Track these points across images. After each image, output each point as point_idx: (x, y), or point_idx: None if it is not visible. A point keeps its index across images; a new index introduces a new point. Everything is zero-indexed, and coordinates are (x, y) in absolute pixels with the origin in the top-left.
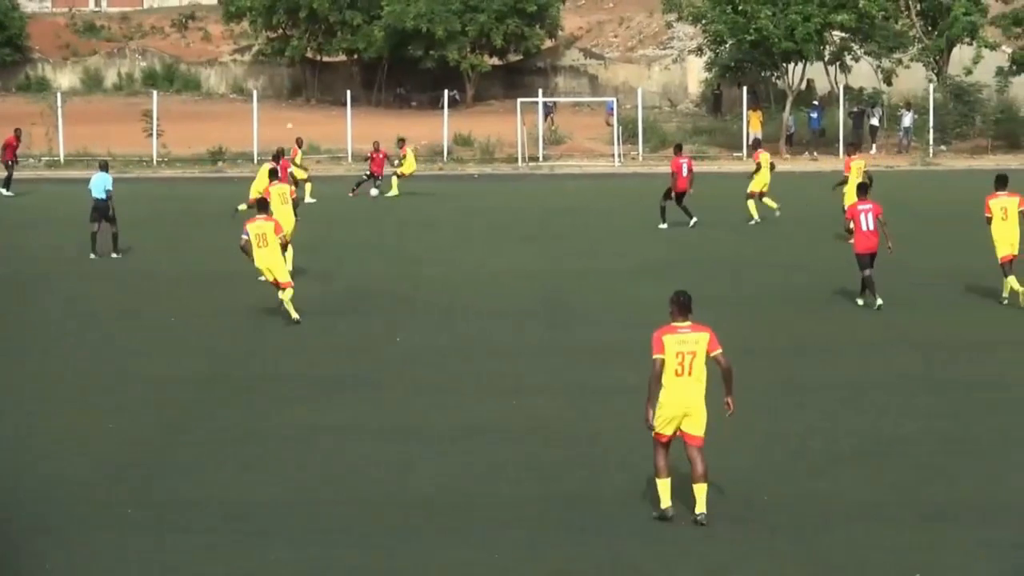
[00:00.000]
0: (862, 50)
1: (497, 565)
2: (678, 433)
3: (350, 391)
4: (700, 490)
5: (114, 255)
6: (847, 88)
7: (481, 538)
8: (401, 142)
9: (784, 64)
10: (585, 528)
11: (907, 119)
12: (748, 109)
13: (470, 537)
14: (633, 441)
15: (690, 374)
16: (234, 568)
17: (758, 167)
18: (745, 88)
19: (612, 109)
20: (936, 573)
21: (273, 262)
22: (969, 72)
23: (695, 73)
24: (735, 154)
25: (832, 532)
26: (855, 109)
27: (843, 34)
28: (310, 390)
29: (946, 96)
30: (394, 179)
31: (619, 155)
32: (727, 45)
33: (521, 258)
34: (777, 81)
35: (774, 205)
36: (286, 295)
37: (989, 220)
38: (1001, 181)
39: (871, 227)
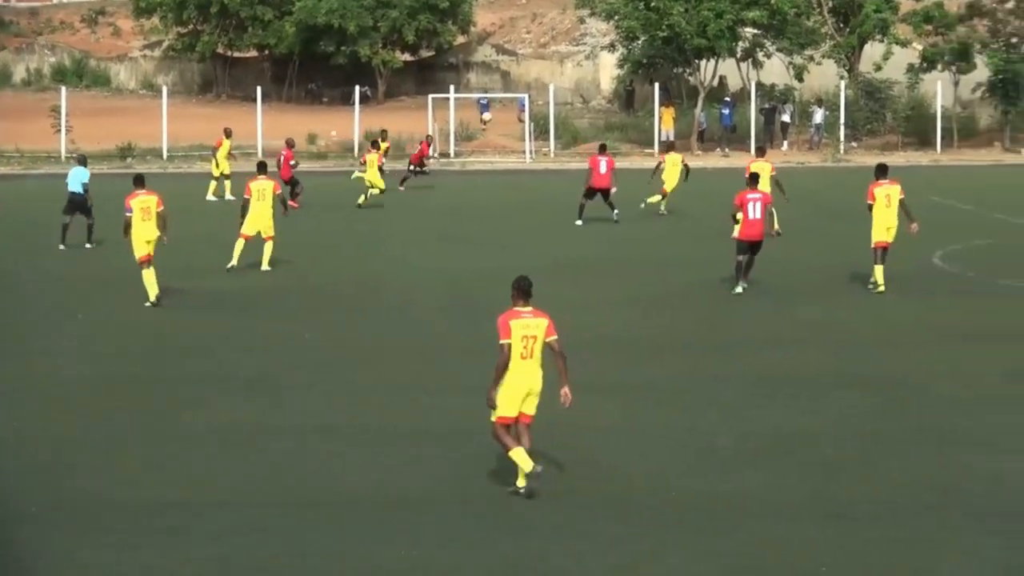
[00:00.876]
0: (774, 47)
1: (411, 561)
2: (518, 414)
3: (261, 389)
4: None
5: (88, 245)
6: (759, 85)
7: (392, 536)
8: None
9: (696, 60)
10: (498, 525)
11: (818, 116)
12: (660, 105)
13: (382, 535)
14: (546, 440)
15: (532, 357)
16: (151, 567)
17: (659, 165)
18: (657, 84)
19: (524, 106)
20: (843, 570)
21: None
22: (879, 69)
23: (608, 69)
24: (647, 150)
25: (742, 528)
26: (766, 106)
27: (755, 31)
28: (222, 388)
29: (857, 93)
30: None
31: (531, 152)
32: (639, 41)
33: (435, 255)
34: (689, 77)
35: (655, 200)
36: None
37: (871, 207)
38: (882, 170)
39: (758, 216)
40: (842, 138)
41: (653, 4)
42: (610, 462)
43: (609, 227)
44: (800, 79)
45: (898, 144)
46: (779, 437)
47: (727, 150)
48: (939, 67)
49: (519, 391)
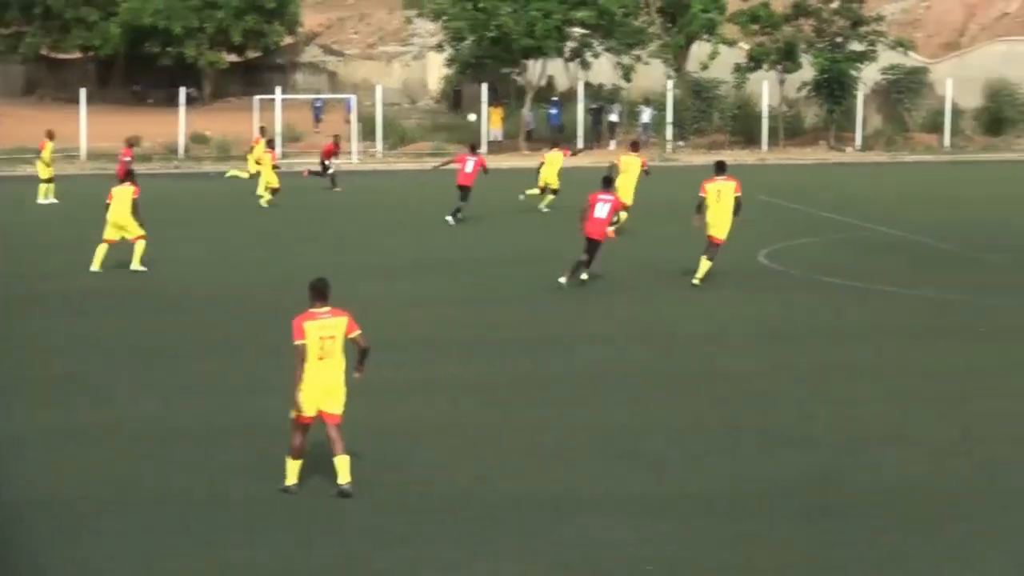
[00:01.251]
0: (602, 47)
1: (222, 563)
2: (318, 413)
3: (77, 390)
4: (342, 462)
5: None
6: (587, 85)
7: (205, 537)
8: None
9: (524, 61)
10: (318, 528)
11: (646, 115)
12: (488, 106)
13: (191, 537)
14: (370, 440)
15: (331, 357)
16: None
17: (542, 164)
18: (485, 85)
19: (351, 107)
20: (668, 566)
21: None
22: (706, 68)
23: (435, 70)
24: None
25: (566, 527)
26: (593, 106)
27: (583, 31)
28: (37, 390)
29: (685, 92)
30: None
31: (357, 152)
32: (467, 42)
33: (262, 254)
34: (517, 78)
35: (532, 192)
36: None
37: (701, 202)
38: (720, 167)
39: (603, 216)
40: (669, 137)
41: (481, 5)
42: (433, 462)
43: (449, 227)
44: (628, 79)
45: (725, 143)
46: (603, 434)
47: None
48: (765, 67)
49: (316, 391)
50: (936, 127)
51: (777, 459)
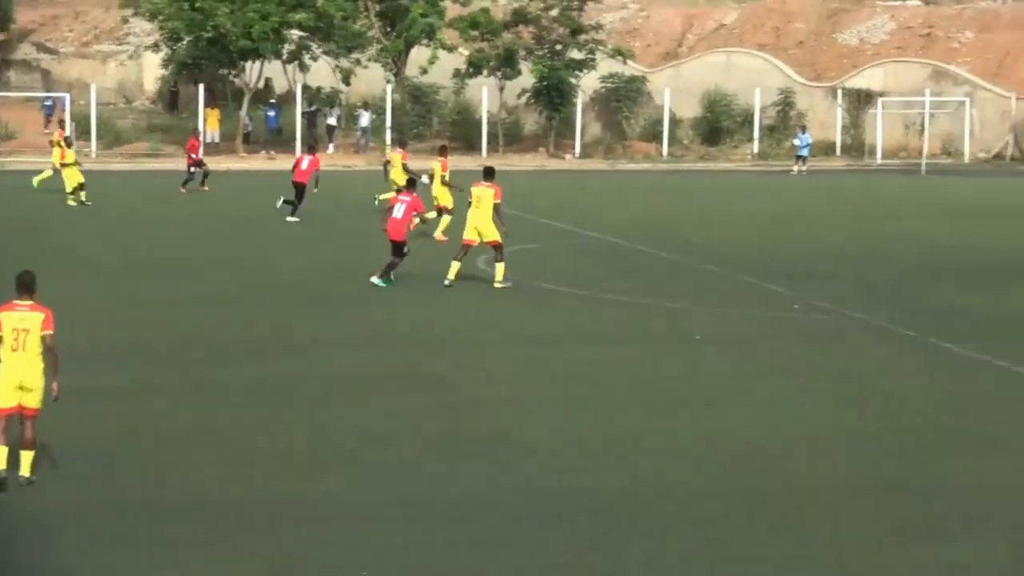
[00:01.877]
0: (320, 50)
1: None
2: (17, 406)
3: None
4: (27, 456)
5: None
6: (306, 87)
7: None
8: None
9: (242, 62)
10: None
11: (364, 119)
12: (205, 107)
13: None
14: (111, 443)
15: (24, 350)
16: None
17: (389, 163)
18: (202, 85)
19: (65, 106)
20: (427, 572)
21: None
22: (425, 72)
23: (152, 70)
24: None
25: (319, 532)
26: (310, 108)
27: (301, 33)
28: None
29: (404, 97)
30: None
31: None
32: (184, 42)
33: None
34: (235, 79)
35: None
36: None
37: (470, 205)
38: (488, 173)
39: (399, 216)
40: (388, 142)
41: (198, 5)
42: (179, 467)
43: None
44: (347, 82)
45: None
46: (356, 438)
47: (273, 152)
48: (485, 73)
49: (12, 383)
50: (655, 136)
51: (526, 465)
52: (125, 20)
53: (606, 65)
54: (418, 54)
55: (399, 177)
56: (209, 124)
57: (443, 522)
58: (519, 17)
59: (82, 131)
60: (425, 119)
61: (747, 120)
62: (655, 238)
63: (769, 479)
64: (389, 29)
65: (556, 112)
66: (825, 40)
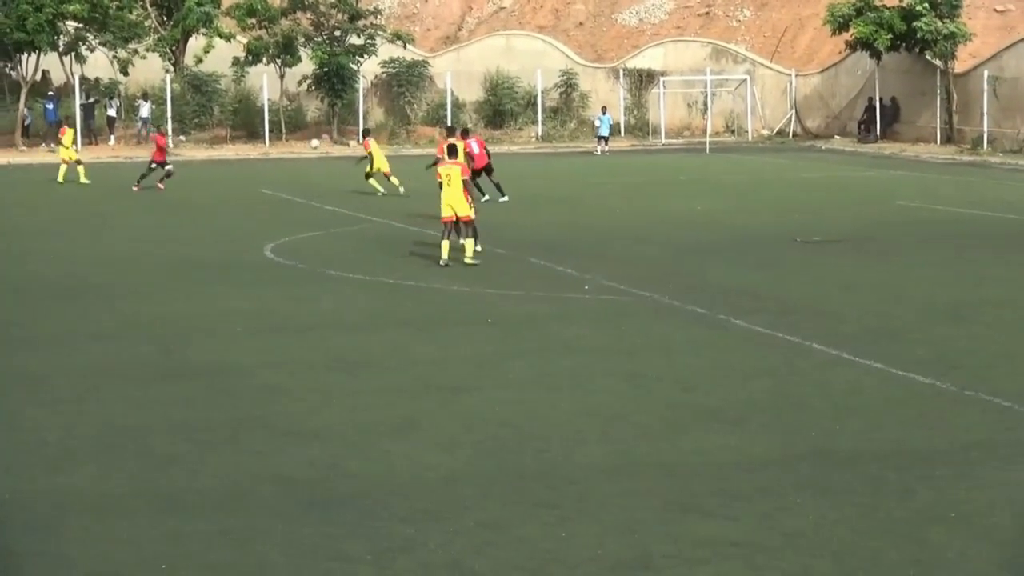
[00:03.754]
0: (97, 40)
1: None
2: None
3: None
4: None
5: None
6: (83, 79)
7: None
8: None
9: (17, 55)
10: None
11: (145, 109)
12: None
13: None
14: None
15: None
16: None
17: (369, 154)
18: None
19: None
20: (179, 563)
21: None
22: (200, 61)
23: None
24: None
25: (71, 526)
26: (90, 100)
27: (77, 24)
28: None
29: (184, 87)
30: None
31: None
32: None
33: None
34: (11, 72)
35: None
36: None
37: (441, 185)
38: (452, 150)
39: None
40: (170, 132)
41: None
42: None
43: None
44: (125, 73)
45: (227, 137)
46: (107, 431)
47: (53, 145)
48: (264, 60)
49: None
50: (438, 120)
51: (282, 453)
52: None
53: (386, 50)
54: (196, 43)
55: (383, 163)
56: None
57: (196, 513)
58: (297, 4)
59: None
60: (206, 108)
61: (530, 102)
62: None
63: (527, 461)
64: (166, 18)
65: (338, 98)
66: (605, 21)
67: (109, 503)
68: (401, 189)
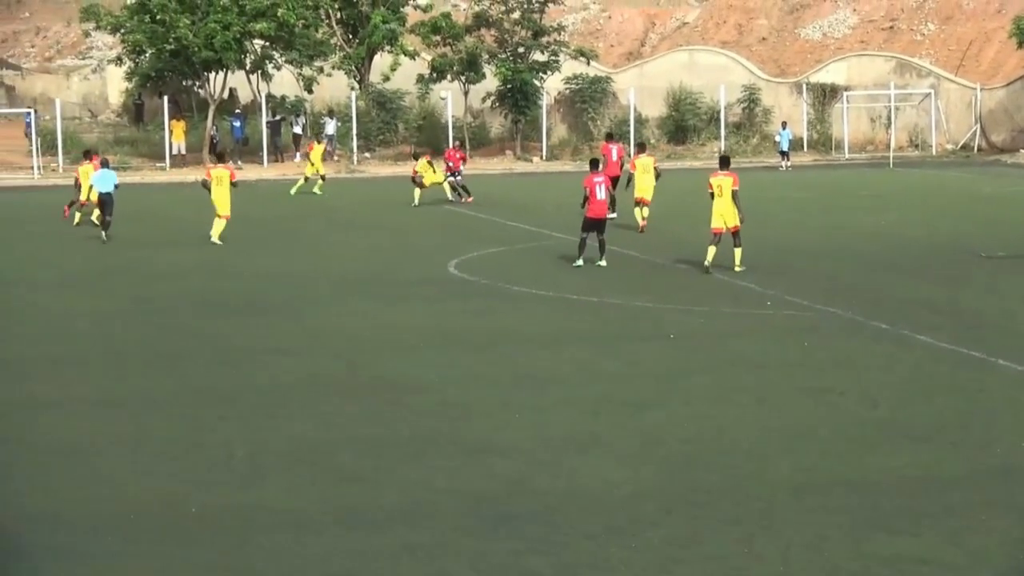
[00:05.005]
0: (283, 58)
1: None
2: None
3: None
4: None
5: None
6: (269, 96)
7: None
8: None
9: (205, 73)
10: None
11: (330, 127)
12: (171, 119)
13: None
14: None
15: None
16: None
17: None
18: (167, 97)
19: (30, 121)
20: None
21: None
22: (388, 79)
23: (116, 83)
24: (158, 164)
25: (259, 541)
26: (276, 118)
27: (264, 43)
28: None
29: (368, 104)
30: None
31: (38, 167)
32: (147, 55)
33: None
34: (199, 90)
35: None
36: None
37: (712, 196)
38: (723, 162)
39: (602, 197)
40: (355, 149)
41: (159, 17)
42: (120, 479)
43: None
44: (310, 90)
45: (411, 154)
46: (294, 447)
47: (240, 162)
48: (449, 77)
49: None
50: (622, 136)
51: (467, 469)
52: (87, 34)
53: (570, 66)
54: (381, 60)
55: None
56: (175, 136)
57: (381, 528)
58: (480, 21)
59: (48, 146)
60: (390, 125)
61: (713, 118)
62: (626, 237)
63: (712, 477)
64: (351, 36)
65: (521, 115)
66: (788, 35)
67: (297, 518)
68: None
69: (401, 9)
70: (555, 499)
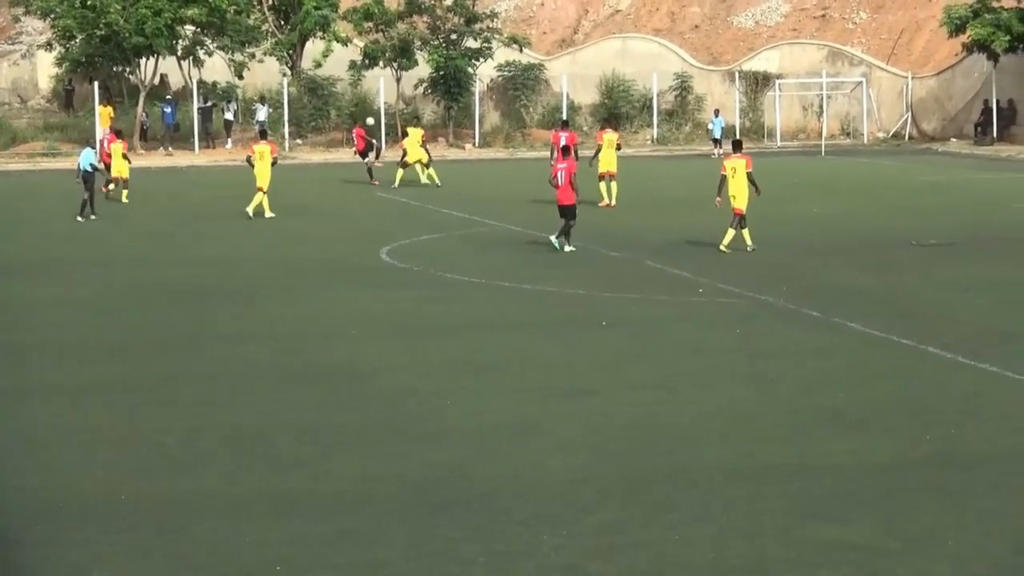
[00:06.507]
0: (215, 44)
1: None
2: None
3: None
4: None
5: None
6: (201, 83)
7: None
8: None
9: (136, 59)
10: None
11: (262, 113)
12: (100, 104)
13: None
14: None
15: None
16: None
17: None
18: (97, 83)
19: None
20: (296, 565)
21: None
22: (319, 65)
23: (46, 68)
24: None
25: (197, 528)
26: (208, 104)
27: (195, 28)
28: None
29: (300, 90)
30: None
31: None
32: (77, 40)
33: None
34: (130, 76)
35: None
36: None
37: (722, 180)
38: (737, 145)
39: (563, 182)
40: (287, 135)
41: (90, 3)
42: (56, 466)
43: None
44: (241, 76)
45: (343, 140)
46: (232, 434)
47: (171, 148)
48: (381, 64)
49: None
50: (553, 123)
51: (407, 456)
52: (16, 19)
53: (502, 53)
54: (313, 47)
55: (417, 153)
56: (102, 122)
57: (320, 515)
58: (413, 7)
59: None
60: (323, 111)
61: (646, 105)
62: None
63: (648, 464)
64: (283, 22)
65: (454, 102)
66: (720, 23)
67: (234, 505)
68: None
69: None
70: (492, 486)
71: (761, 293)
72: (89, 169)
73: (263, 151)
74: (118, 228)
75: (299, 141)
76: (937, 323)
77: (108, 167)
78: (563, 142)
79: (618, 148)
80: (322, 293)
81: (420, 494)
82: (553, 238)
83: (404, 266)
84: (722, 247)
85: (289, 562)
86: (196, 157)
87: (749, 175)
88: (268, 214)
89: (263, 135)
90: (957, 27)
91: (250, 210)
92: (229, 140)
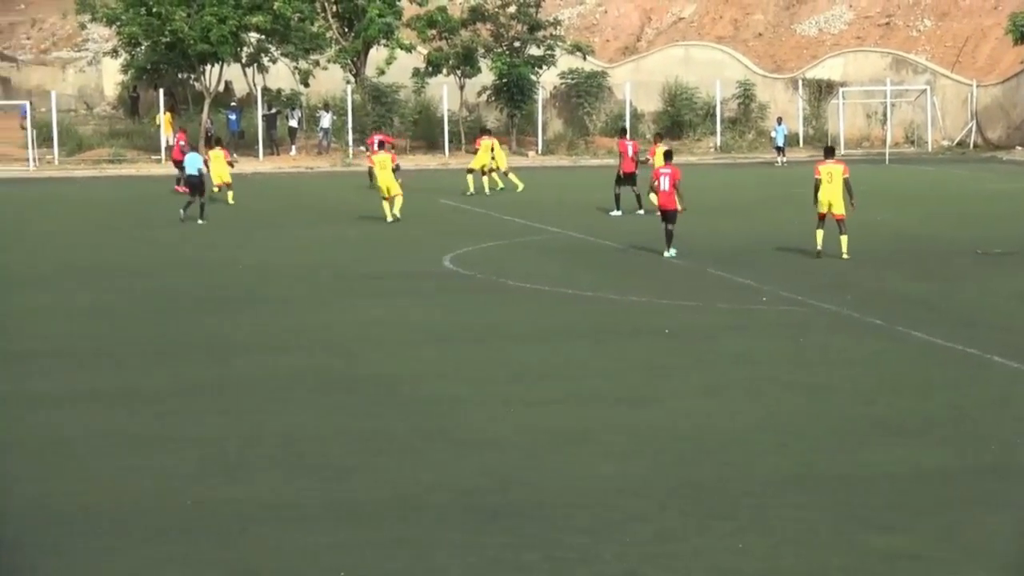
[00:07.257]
0: (279, 51)
1: None
2: None
3: None
4: None
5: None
6: (265, 90)
7: None
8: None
9: (201, 66)
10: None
11: (325, 120)
12: (165, 111)
13: None
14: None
15: None
16: None
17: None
18: (162, 90)
19: (25, 113)
20: (358, 572)
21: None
22: (383, 73)
23: (112, 75)
24: (154, 157)
25: (252, 534)
26: (272, 111)
27: (259, 36)
28: None
29: (364, 97)
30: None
31: (34, 159)
32: (143, 47)
33: None
34: (195, 83)
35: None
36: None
37: (818, 183)
38: (829, 151)
39: (666, 188)
40: (350, 142)
41: (155, 10)
42: (112, 473)
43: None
44: (306, 84)
45: (407, 147)
46: (286, 441)
47: (235, 155)
48: (444, 71)
49: None
50: (616, 131)
51: (460, 463)
52: (83, 26)
53: (566, 61)
54: (377, 54)
55: (487, 158)
56: (165, 129)
57: (373, 522)
58: (476, 15)
59: (43, 138)
60: (386, 119)
61: (709, 113)
62: (625, 232)
63: (703, 473)
64: (347, 30)
65: (517, 109)
66: (784, 31)
67: (289, 512)
68: (520, 186)
69: (397, 3)
70: (547, 494)
71: (825, 301)
72: (196, 173)
73: (384, 161)
74: (178, 233)
75: (363, 148)
76: (1001, 332)
77: (177, 165)
78: (630, 151)
79: (644, 162)
80: (384, 300)
81: (474, 501)
82: (666, 253)
83: (467, 273)
84: (821, 250)
85: (348, 569)
86: (260, 164)
87: (846, 181)
88: (388, 218)
89: (381, 145)
90: (1022, 35)
91: (396, 214)
92: (293, 147)
